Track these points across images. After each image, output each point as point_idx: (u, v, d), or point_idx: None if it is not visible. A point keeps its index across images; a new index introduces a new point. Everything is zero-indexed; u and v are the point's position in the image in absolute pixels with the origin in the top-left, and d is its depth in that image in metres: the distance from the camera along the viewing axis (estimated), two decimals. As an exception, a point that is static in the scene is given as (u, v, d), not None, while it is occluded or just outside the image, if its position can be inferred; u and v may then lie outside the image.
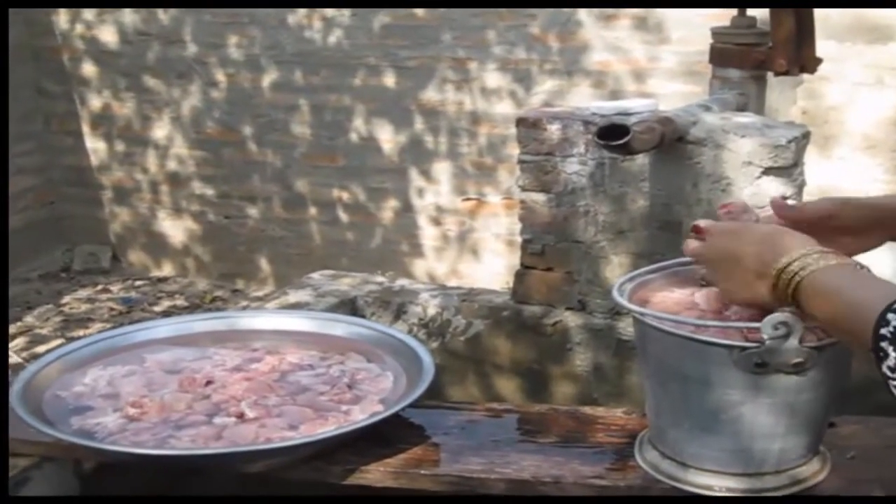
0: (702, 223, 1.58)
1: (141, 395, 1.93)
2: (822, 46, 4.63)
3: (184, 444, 1.76)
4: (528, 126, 2.79)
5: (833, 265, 1.37)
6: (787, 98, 4.79)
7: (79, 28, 6.19)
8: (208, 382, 1.97)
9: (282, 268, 5.91)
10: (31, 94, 6.27)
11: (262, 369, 2.03)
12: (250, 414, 1.84)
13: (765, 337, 1.47)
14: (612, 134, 2.34)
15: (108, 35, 6.14)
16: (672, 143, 2.58)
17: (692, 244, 1.58)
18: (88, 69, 6.24)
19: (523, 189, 2.83)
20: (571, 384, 2.83)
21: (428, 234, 5.70)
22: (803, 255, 1.38)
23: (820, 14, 4.55)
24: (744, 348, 1.50)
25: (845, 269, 1.38)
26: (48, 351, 2.24)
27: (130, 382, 2.00)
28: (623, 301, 1.65)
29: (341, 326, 2.20)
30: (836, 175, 4.78)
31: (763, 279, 1.42)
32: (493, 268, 5.29)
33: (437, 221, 5.66)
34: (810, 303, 1.37)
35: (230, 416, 1.84)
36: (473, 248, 5.58)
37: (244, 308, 3.07)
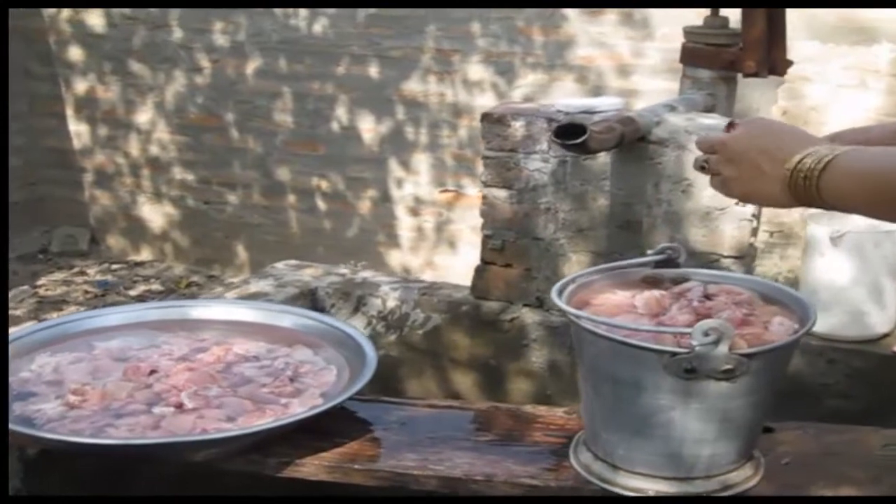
0: (732, 122, 1.52)
1: (84, 382, 1.93)
2: (806, 46, 4.65)
3: (120, 434, 1.76)
4: (492, 122, 2.78)
5: (849, 149, 1.33)
6: (767, 98, 4.79)
7: (66, 11, 6.16)
8: (152, 372, 1.97)
9: (258, 255, 5.90)
10: (18, 76, 6.24)
11: (207, 360, 2.03)
12: (189, 404, 1.85)
13: (694, 343, 1.48)
14: (570, 133, 2.34)
15: (94, 18, 6.11)
16: (634, 142, 2.57)
17: (717, 135, 1.51)
18: (74, 52, 6.21)
19: (486, 185, 2.82)
20: (527, 381, 2.83)
21: (405, 225, 5.69)
22: (815, 149, 1.34)
23: (805, 14, 4.58)
24: (674, 353, 1.50)
25: (863, 150, 1.35)
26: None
27: (76, 370, 2.00)
28: (560, 302, 1.65)
29: (289, 318, 2.21)
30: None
31: (776, 177, 1.36)
32: (469, 260, 5.20)
33: (414, 212, 5.65)
34: (840, 188, 1.31)
35: (169, 406, 1.85)
36: (450, 240, 5.58)
37: (216, 295, 3.06)
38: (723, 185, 1.47)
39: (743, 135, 1.44)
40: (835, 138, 1.52)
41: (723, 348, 1.48)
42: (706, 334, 1.48)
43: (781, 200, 1.37)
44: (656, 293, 1.75)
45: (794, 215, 4.77)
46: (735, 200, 2.50)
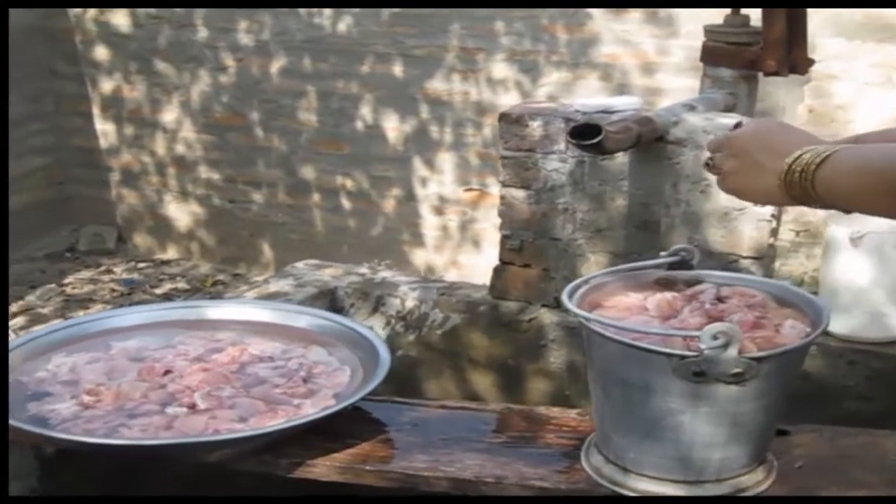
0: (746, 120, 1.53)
1: (99, 382, 1.94)
2: (831, 44, 4.63)
3: (133, 434, 1.76)
4: (510, 122, 2.78)
5: (848, 146, 1.33)
6: (793, 96, 4.77)
7: (91, 11, 6.20)
8: (167, 372, 1.98)
9: (283, 253, 5.91)
10: (44, 75, 6.30)
11: (221, 360, 2.03)
12: (202, 405, 1.85)
13: (703, 346, 1.47)
14: (587, 133, 2.33)
15: (120, 18, 6.15)
16: (652, 142, 2.57)
17: (724, 134, 1.51)
18: (100, 52, 6.25)
19: (504, 185, 2.82)
20: (545, 381, 2.82)
21: (429, 224, 5.69)
22: (815, 147, 1.33)
23: (831, 11, 4.55)
24: (682, 357, 1.49)
25: (860, 147, 1.35)
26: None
27: (92, 370, 2.01)
28: (570, 305, 1.64)
29: (305, 318, 2.21)
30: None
31: (773, 172, 1.35)
32: (493, 259, 5.22)
33: (439, 211, 5.65)
34: (833, 183, 1.30)
35: (182, 407, 1.85)
36: (474, 239, 5.58)
37: (240, 293, 3.07)
38: (723, 181, 1.47)
39: (747, 131, 1.44)
40: (859, 140, 1.51)
41: (732, 352, 1.47)
42: (715, 338, 1.47)
43: (777, 196, 1.37)
44: (668, 295, 1.74)
45: (819, 214, 4.74)
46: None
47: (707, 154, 1.51)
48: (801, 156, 1.32)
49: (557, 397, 2.78)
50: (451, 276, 5.41)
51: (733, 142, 1.45)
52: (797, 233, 4.78)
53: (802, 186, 1.32)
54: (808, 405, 1.79)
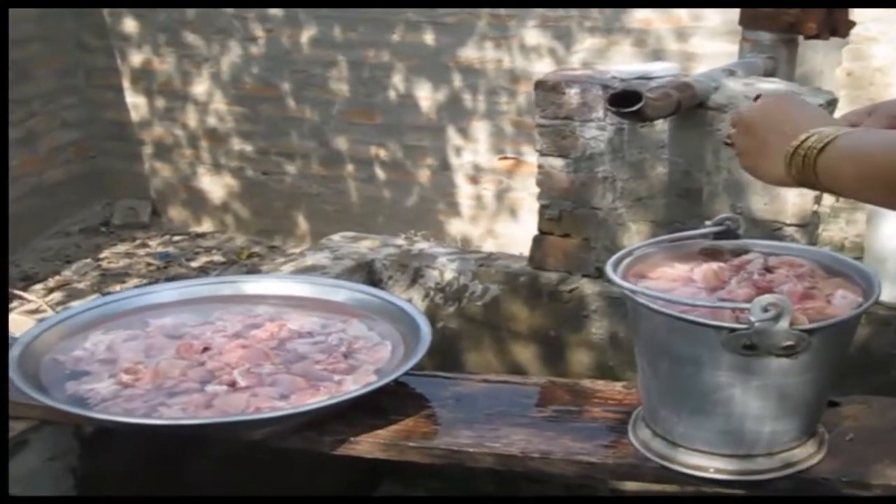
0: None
1: (137, 360, 1.92)
2: (869, 8, 4.54)
3: (173, 413, 1.75)
4: (547, 90, 2.74)
5: (853, 130, 1.29)
6: (831, 60, 4.69)
7: (120, -17, 6.19)
8: (205, 349, 1.96)
9: (319, 225, 5.90)
10: (73, 49, 6.29)
11: (260, 336, 2.02)
12: (242, 382, 1.83)
13: (753, 319, 1.43)
14: (626, 100, 2.29)
15: (148, -10, 6.14)
16: (692, 109, 2.52)
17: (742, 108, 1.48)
18: (129, 24, 6.23)
19: (541, 154, 2.78)
20: (588, 352, 2.79)
21: (465, 194, 5.65)
22: (822, 129, 1.29)
23: (869, -28, 4.47)
24: (732, 330, 1.46)
25: (864, 131, 1.32)
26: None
27: (129, 348, 2.00)
28: (615, 277, 1.61)
29: (343, 292, 2.18)
30: (881, 138, 4.67)
31: (780, 153, 1.32)
32: (530, 228, 5.14)
33: (474, 181, 5.61)
34: (833, 168, 1.26)
35: (222, 385, 1.83)
36: (511, 208, 5.53)
37: (276, 266, 3.05)
38: (738, 158, 1.45)
39: (758, 109, 1.41)
40: (877, 109, 1.47)
41: (783, 324, 1.44)
42: (765, 310, 1.43)
43: (783, 178, 1.33)
44: (715, 266, 1.70)
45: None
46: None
47: (729, 128, 1.48)
48: (806, 139, 1.28)
49: (601, 369, 2.75)
50: (488, 246, 5.38)
51: (746, 119, 1.42)
52: (837, 198, 4.71)
53: (805, 172, 1.29)
54: (854, 374, 1.75)
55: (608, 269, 1.63)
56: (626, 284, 1.58)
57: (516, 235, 5.33)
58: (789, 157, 1.29)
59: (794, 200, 2.49)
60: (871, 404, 1.81)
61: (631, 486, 2.71)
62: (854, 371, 1.68)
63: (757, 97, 1.46)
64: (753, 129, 1.39)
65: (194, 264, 5.65)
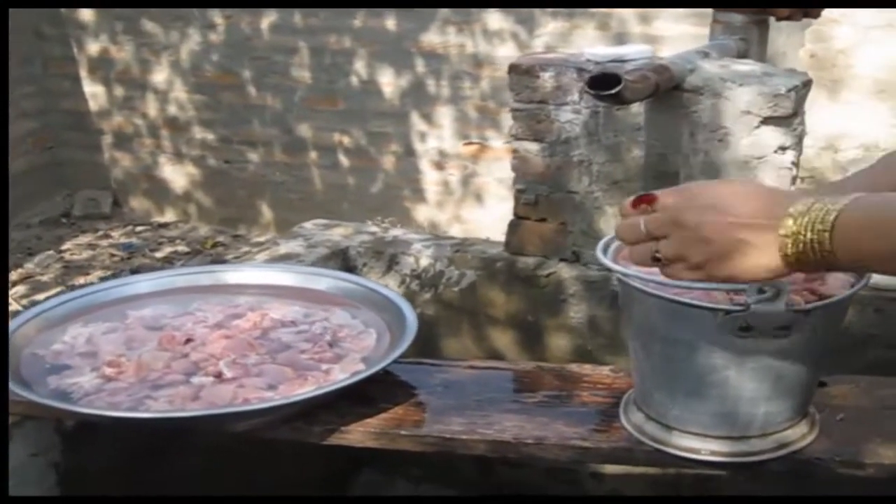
0: (650, 194, 1.31)
1: (119, 353, 1.90)
2: (823, -9, 4.56)
3: (160, 406, 1.72)
4: (521, 73, 2.72)
5: (856, 197, 1.18)
6: (794, 41, 4.71)
7: (75, -30, 6.12)
8: (188, 340, 1.93)
9: (283, 213, 5.87)
10: (30, 38, 6.22)
11: (243, 326, 1.99)
12: (228, 374, 1.81)
13: (749, 300, 1.43)
14: (604, 83, 2.28)
15: (104, -23, 6.07)
16: (668, 91, 2.51)
17: (643, 218, 1.31)
18: (85, 12, 6.16)
19: (516, 138, 2.77)
20: (567, 336, 2.79)
21: (430, 179, 5.64)
22: (815, 200, 1.19)
23: (829, -48, 4.48)
24: (728, 311, 1.45)
25: (873, 197, 1.18)
26: (45, 299, 2.21)
27: (110, 340, 1.97)
28: (606, 260, 1.60)
29: (325, 281, 2.17)
30: (844, 120, 4.71)
31: (768, 237, 1.21)
32: (496, 213, 5.22)
33: (439, 166, 5.60)
34: (858, 242, 1.15)
35: (208, 376, 1.81)
36: (477, 193, 5.53)
37: (240, 257, 3.02)
38: (695, 271, 1.29)
39: (693, 213, 1.26)
40: (843, 186, 1.45)
41: (779, 305, 1.43)
42: (761, 291, 1.43)
43: (776, 269, 1.23)
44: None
45: (825, 161, 4.71)
46: (775, 149, 2.46)
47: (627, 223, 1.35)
48: (798, 220, 1.18)
49: (579, 353, 2.74)
50: (455, 231, 5.38)
51: (671, 220, 1.28)
52: (802, 179, 4.74)
53: (816, 254, 1.18)
54: (835, 355, 1.75)
55: (598, 252, 1.62)
56: (619, 268, 1.57)
57: (482, 221, 5.33)
58: (789, 245, 1.20)
59: (771, 181, 2.49)
60: (859, 384, 1.82)
61: (610, 469, 2.72)
62: (834, 351, 1.68)
63: (639, 199, 1.32)
64: (709, 234, 1.24)
65: (158, 255, 5.61)
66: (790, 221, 1.19)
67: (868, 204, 1.17)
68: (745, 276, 1.26)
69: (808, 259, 1.19)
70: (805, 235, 1.18)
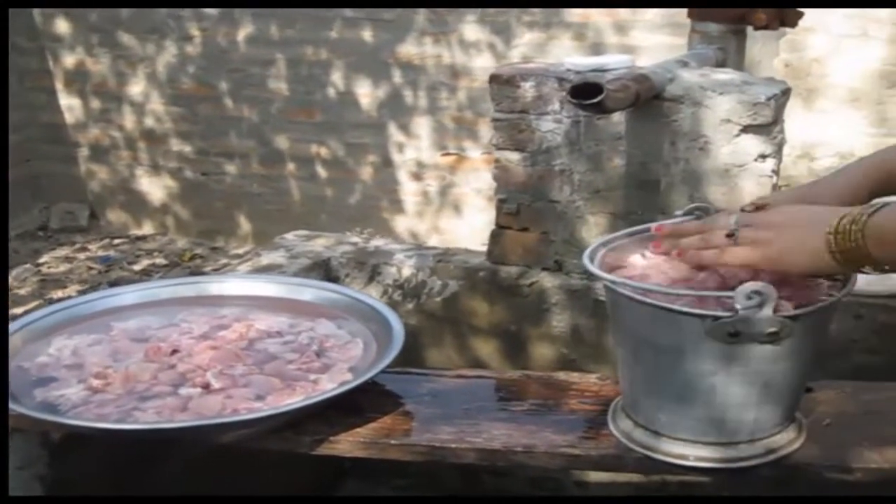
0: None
1: (105, 365, 1.89)
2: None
3: (148, 417, 1.72)
4: (502, 83, 2.73)
5: (890, 205, 1.36)
6: (769, 50, 4.74)
7: (50, -18, 6.10)
8: (174, 351, 1.93)
9: (261, 224, 5.87)
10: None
11: (229, 337, 1.99)
12: (216, 384, 1.80)
13: (738, 306, 1.44)
14: (586, 92, 2.29)
15: (80, -11, 6.05)
16: (648, 100, 2.53)
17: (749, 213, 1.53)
18: (61, 25, 6.14)
19: (497, 148, 2.77)
20: (549, 346, 2.79)
21: (408, 190, 5.65)
22: (859, 209, 1.37)
23: (804, -38, 4.52)
24: (716, 318, 1.46)
25: None
26: (23, 314, 2.20)
27: (95, 352, 1.96)
28: (593, 268, 1.61)
29: (310, 291, 2.17)
30: (819, 129, 4.74)
31: (820, 235, 1.39)
32: (474, 223, 5.24)
33: (417, 177, 5.61)
34: (886, 237, 1.34)
35: (196, 387, 1.80)
36: (455, 204, 5.54)
37: (221, 269, 3.02)
38: (754, 250, 1.48)
39: (779, 210, 1.50)
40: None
41: (767, 311, 1.44)
42: (749, 297, 1.44)
43: (819, 261, 1.42)
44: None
45: (801, 169, 4.75)
46: (755, 157, 2.47)
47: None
48: (847, 214, 1.37)
49: (563, 362, 2.75)
50: (434, 242, 5.38)
51: (765, 217, 1.49)
52: (779, 187, 4.77)
53: (852, 240, 1.36)
54: (818, 360, 1.77)
55: (585, 260, 1.63)
56: (606, 276, 1.58)
57: (461, 231, 5.34)
58: (833, 230, 1.37)
59: (752, 189, 2.51)
60: (845, 389, 1.83)
61: (595, 477, 2.73)
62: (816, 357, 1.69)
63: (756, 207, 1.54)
64: (777, 224, 1.46)
65: (136, 267, 5.59)
66: (842, 211, 1.38)
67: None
68: (780, 261, 1.45)
69: (850, 254, 1.37)
70: (843, 228, 1.36)
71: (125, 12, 5.94)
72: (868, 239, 1.34)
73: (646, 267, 1.70)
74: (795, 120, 4.38)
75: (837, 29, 4.70)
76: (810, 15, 4.62)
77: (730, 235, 1.50)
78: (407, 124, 5.56)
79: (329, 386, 1.78)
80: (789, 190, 1.66)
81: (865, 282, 2.64)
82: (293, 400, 1.74)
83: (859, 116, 4.76)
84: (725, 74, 2.61)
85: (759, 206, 1.53)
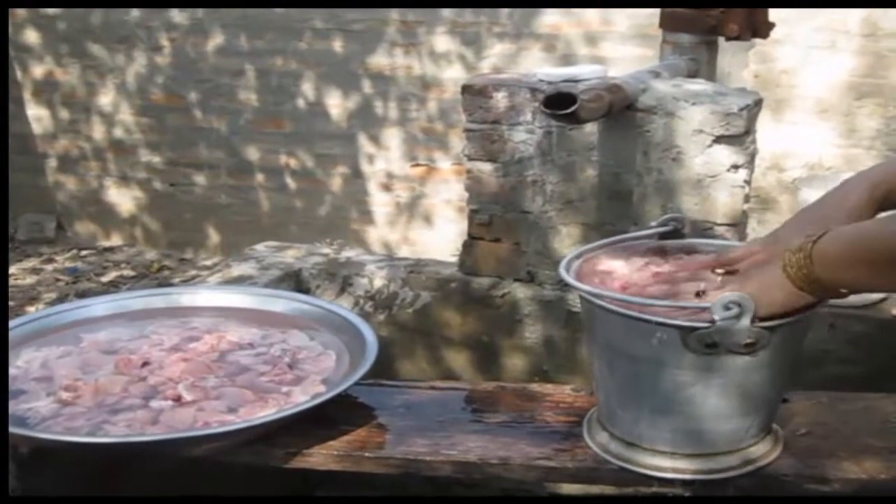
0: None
1: (75, 377, 1.87)
2: (775, 9, 4.61)
3: (119, 430, 1.69)
4: (474, 94, 2.72)
5: (838, 229, 1.40)
6: (739, 61, 4.76)
7: (16, -9, 6.05)
8: (145, 363, 1.91)
9: (230, 236, 5.83)
10: (-28, 61, 6.14)
11: (200, 349, 1.97)
12: (188, 397, 1.79)
13: (716, 317, 1.43)
14: (559, 102, 2.28)
15: (47, -2, 6.01)
16: (621, 111, 2.52)
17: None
18: (30, 35, 6.09)
19: (470, 158, 2.76)
20: (522, 356, 2.78)
21: (378, 201, 5.63)
22: (806, 238, 1.41)
23: (772, -28, 4.54)
24: (694, 328, 1.46)
25: (849, 226, 1.43)
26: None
27: (65, 364, 1.93)
28: (570, 279, 1.60)
29: (282, 302, 2.15)
30: (788, 139, 4.76)
31: (781, 270, 1.42)
32: (445, 234, 5.23)
33: (387, 188, 5.59)
34: (836, 264, 1.37)
35: (167, 400, 1.79)
36: (425, 215, 5.52)
37: (190, 280, 3.00)
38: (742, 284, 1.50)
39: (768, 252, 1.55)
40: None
41: (745, 322, 1.44)
42: (727, 308, 1.43)
43: (786, 292, 1.43)
44: (667, 266, 1.70)
45: (770, 180, 4.76)
46: (727, 167, 2.47)
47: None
48: (799, 245, 1.41)
49: (535, 373, 2.74)
50: (404, 252, 5.37)
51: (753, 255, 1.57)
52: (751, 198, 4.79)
53: (803, 264, 1.40)
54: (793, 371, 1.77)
55: (562, 271, 1.62)
56: (583, 287, 1.57)
57: (431, 242, 5.32)
58: (787, 262, 1.41)
59: (725, 200, 2.51)
60: (821, 399, 1.83)
61: (568, 489, 2.71)
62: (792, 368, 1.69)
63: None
64: (744, 273, 1.52)
65: (104, 279, 5.54)
66: (788, 254, 1.42)
67: (842, 232, 1.40)
68: (761, 297, 1.45)
69: (806, 281, 1.40)
70: (795, 260, 1.40)
71: (95, 21, 5.89)
72: (815, 265, 1.37)
73: (626, 277, 1.70)
74: (764, 131, 4.37)
75: (806, 40, 4.72)
76: (780, 27, 4.65)
77: (698, 295, 1.56)
78: (377, 135, 5.55)
79: (302, 398, 1.77)
80: (798, 213, 1.68)
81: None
82: (266, 412, 1.72)
83: (828, 128, 4.79)
84: (698, 85, 2.61)
85: (729, 271, 1.58)
